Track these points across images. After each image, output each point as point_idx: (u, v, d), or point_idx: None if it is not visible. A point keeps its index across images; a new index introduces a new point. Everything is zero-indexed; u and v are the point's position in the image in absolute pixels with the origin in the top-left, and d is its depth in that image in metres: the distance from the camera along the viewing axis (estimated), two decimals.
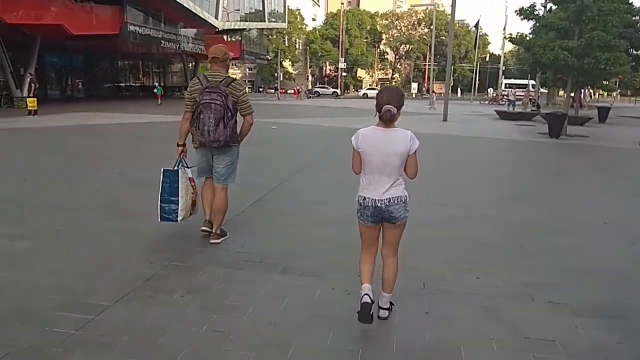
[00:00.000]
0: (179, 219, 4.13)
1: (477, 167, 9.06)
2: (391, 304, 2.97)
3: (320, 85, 66.79)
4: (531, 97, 28.89)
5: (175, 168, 4.10)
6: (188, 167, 4.18)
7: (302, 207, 5.68)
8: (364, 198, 2.79)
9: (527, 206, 5.95)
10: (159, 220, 4.17)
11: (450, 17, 22.15)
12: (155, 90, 29.94)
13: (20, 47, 24.64)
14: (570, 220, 5.43)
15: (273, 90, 57.37)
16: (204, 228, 4.26)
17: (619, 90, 58.73)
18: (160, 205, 4.12)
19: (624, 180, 8.34)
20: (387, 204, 2.72)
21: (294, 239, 4.43)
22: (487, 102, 43.38)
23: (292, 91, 47.83)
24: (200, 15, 32.73)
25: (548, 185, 7.57)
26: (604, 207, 6.09)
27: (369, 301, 2.70)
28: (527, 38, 15.95)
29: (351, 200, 3.00)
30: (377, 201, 2.74)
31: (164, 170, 4.12)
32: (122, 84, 42.79)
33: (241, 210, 5.21)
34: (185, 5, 30.32)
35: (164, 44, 31.28)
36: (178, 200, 4.07)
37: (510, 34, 16.89)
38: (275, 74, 69.72)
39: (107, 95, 35.79)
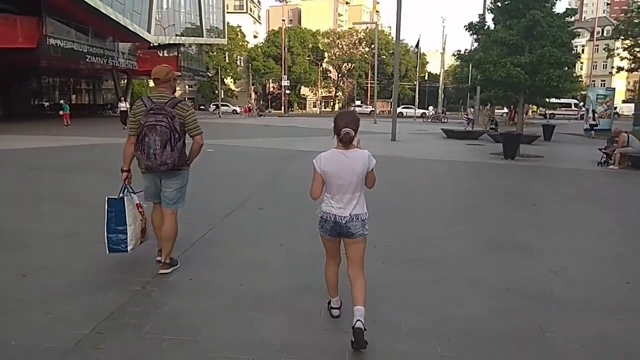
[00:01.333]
0: (129, 248, 3.87)
1: (441, 201, 7.83)
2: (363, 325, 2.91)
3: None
4: (490, 116, 28.84)
5: (121, 195, 3.85)
6: (134, 193, 3.95)
7: (231, 277, 3.95)
8: (326, 213, 2.96)
9: (522, 258, 4.71)
10: (108, 252, 3.88)
11: (391, 36, 21.78)
12: (61, 110, 24.36)
13: None
14: (590, 284, 4.26)
15: (213, 108, 55.23)
16: (159, 258, 3.99)
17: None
18: (107, 236, 3.85)
19: (610, 212, 7.24)
20: (347, 220, 2.90)
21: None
22: (429, 119, 43.64)
23: (243, 109, 45.49)
24: (130, 28, 30.47)
25: (532, 226, 6.10)
26: (612, 256, 4.94)
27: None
28: (477, 55, 15.37)
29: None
30: (337, 217, 2.91)
31: (108, 199, 3.86)
32: (47, 102, 39.33)
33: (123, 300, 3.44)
34: (112, 17, 28.06)
35: (90, 59, 28.67)
36: (126, 230, 3.83)
37: (459, 51, 16.32)
38: (216, 92, 67.68)
39: (29, 114, 32.37)
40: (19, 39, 23.35)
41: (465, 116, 31.94)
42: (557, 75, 13.11)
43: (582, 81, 33.32)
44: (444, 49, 46.96)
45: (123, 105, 23.00)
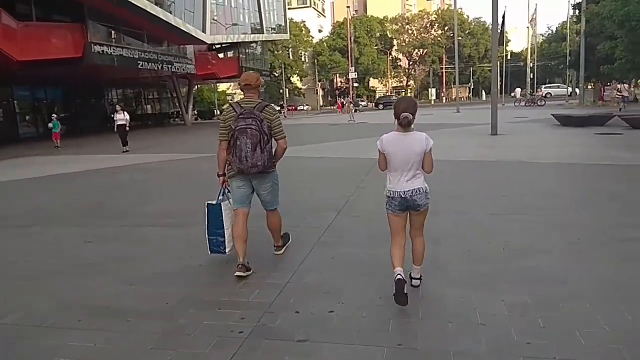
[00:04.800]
0: (226, 250, 4.09)
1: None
2: (420, 276, 3.49)
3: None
4: (622, 95, 23.48)
5: (220, 199, 4.07)
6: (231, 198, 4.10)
7: None
8: (391, 191, 3.30)
9: None
10: (209, 252, 4.16)
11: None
12: (50, 125, 19.98)
13: None
14: None
15: (279, 108, 52.61)
16: (238, 273, 3.81)
17: None
18: (209, 239, 4.13)
19: None
20: (411, 194, 3.24)
21: None
22: (522, 103, 37.69)
23: (337, 105, 41.29)
24: (183, 28, 28.20)
25: None
26: None
27: (402, 277, 3.11)
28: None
29: None
30: (402, 192, 3.25)
31: (207, 204, 4.10)
32: (111, 115, 38.70)
33: None
34: (161, 17, 25.84)
35: (142, 65, 26.68)
36: (224, 233, 4.05)
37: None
38: (281, 90, 65.43)
39: (94, 130, 31.30)
40: (64, 48, 21.67)
41: (618, 94, 25.72)
42: None
43: None
44: (533, 19, 40.39)
45: (120, 118, 16.12)
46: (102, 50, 23.23)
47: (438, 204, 5.64)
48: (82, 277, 4.16)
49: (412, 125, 3.18)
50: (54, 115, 20.94)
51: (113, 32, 25.61)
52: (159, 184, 9.57)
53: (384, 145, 3.27)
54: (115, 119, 16.26)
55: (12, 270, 4.42)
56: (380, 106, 51.90)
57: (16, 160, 15.74)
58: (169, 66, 29.93)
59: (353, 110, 31.44)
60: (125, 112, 16.36)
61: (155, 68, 28.33)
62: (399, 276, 3.09)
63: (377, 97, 70.52)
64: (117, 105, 16.73)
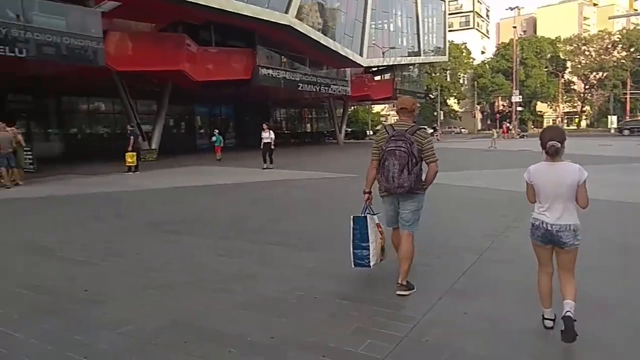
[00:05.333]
0: (371, 264, 4.08)
1: None
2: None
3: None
4: None
5: (363, 214, 4.09)
6: (374, 214, 4.15)
7: None
8: (537, 220, 3.14)
9: None
10: (353, 266, 4.14)
11: None
12: (212, 139, 21.75)
13: (152, 95, 24.01)
14: None
15: (431, 130, 51.18)
16: (400, 292, 3.90)
17: None
18: (353, 252, 4.14)
19: None
20: (558, 229, 3.03)
21: None
22: None
23: (501, 130, 38.49)
24: (342, 52, 29.21)
25: None
26: None
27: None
28: None
29: None
30: (548, 225, 3.07)
31: (353, 217, 4.13)
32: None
33: None
34: (322, 42, 27.13)
35: (302, 87, 28.32)
36: (369, 246, 4.07)
37: None
38: (436, 113, 63.86)
39: (258, 146, 34.19)
40: (236, 71, 24.09)
41: None
42: None
43: None
44: None
45: (266, 136, 16.40)
46: (268, 73, 25.21)
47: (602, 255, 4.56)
48: (203, 293, 4.19)
49: (561, 155, 3.06)
50: (216, 130, 23.25)
51: (281, 56, 27.73)
52: (300, 202, 9.71)
53: (532, 176, 3.19)
54: (261, 137, 16.81)
55: (149, 279, 4.66)
56: (626, 132, 43.15)
57: (187, 168, 17.71)
58: (327, 88, 31.22)
59: (518, 136, 28.99)
60: (271, 131, 16.76)
61: (314, 90, 29.81)
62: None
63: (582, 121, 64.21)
64: (263, 124, 17.20)
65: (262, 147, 16.66)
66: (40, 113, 24.98)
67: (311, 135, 46.82)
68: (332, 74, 33.09)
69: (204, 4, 18.73)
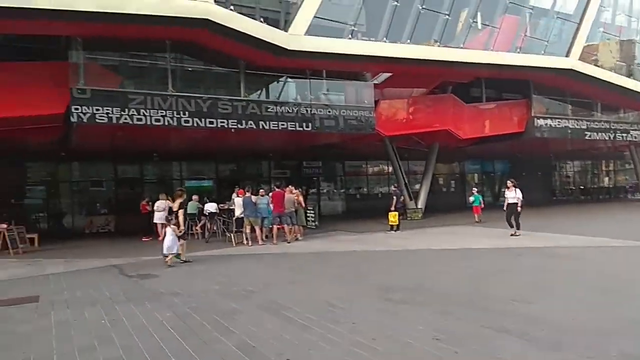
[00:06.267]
0: None
1: None
2: None
3: None
4: None
5: None
6: None
7: None
8: None
9: None
10: None
11: None
12: (471, 199, 19.59)
13: (422, 156, 24.65)
14: None
15: None
16: None
17: None
18: None
19: None
20: None
21: None
22: None
23: None
24: (636, 89, 24.05)
25: None
26: None
27: None
28: None
29: None
30: None
31: None
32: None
33: None
34: (619, 84, 23.01)
35: (590, 136, 24.35)
36: None
37: None
38: None
39: (542, 202, 30.94)
40: (508, 124, 22.52)
41: None
42: None
43: None
44: None
45: (512, 196, 13.87)
46: (546, 124, 22.76)
47: None
48: None
49: None
50: (474, 188, 21.83)
51: (563, 104, 24.78)
52: (566, 279, 7.84)
53: None
54: (504, 196, 14.60)
55: (351, 355, 4.36)
56: None
57: (444, 228, 17.05)
58: (624, 134, 26.03)
59: None
60: (518, 190, 14.07)
61: (607, 137, 25.26)
62: None
63: None
64: (508, 181, 14.67)
65: (505, 208, 14.47)
66: (328, 176, 28.89)
67: (607, 191, 39.50)
68: (632, 118, 27.50)
69: (468, 61, 18.54)
